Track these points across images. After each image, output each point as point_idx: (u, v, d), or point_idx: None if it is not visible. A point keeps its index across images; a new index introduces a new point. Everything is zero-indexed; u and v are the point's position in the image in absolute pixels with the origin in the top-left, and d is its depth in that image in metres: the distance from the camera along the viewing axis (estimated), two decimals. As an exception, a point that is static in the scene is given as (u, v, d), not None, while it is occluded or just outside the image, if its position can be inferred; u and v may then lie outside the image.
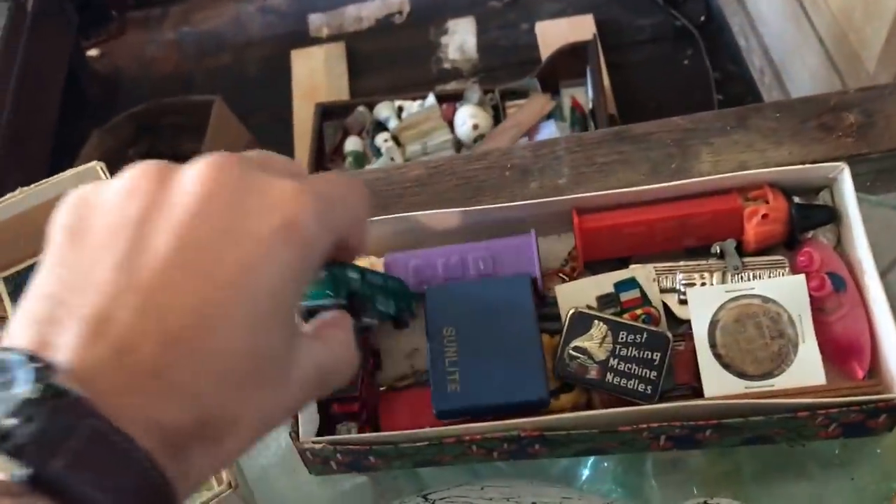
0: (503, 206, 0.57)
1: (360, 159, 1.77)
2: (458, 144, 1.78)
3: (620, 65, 1.92)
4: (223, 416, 0.26)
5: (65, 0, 2.04)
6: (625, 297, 0.55)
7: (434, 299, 0.55)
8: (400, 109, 1.85)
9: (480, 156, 0.69)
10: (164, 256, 0.26)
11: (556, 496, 0.47)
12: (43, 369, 0.23)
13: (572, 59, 1.82)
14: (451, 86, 1.97)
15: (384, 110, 1.84)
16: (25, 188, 0.67)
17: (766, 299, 0.53)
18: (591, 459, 0.56)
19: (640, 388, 0.52)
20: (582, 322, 0.54)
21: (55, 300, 0.26)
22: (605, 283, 0.56)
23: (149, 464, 0.24)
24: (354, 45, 2.10)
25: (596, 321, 0.54)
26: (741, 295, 0.53)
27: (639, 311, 0.54)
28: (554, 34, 1.96)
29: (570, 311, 0.54)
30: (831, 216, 0.55)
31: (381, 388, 0.57)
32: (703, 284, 0.54)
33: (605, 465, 0.56)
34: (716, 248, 0.55)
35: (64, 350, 0.25)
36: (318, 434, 0.53)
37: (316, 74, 2.06)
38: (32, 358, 0.24)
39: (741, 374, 0.52)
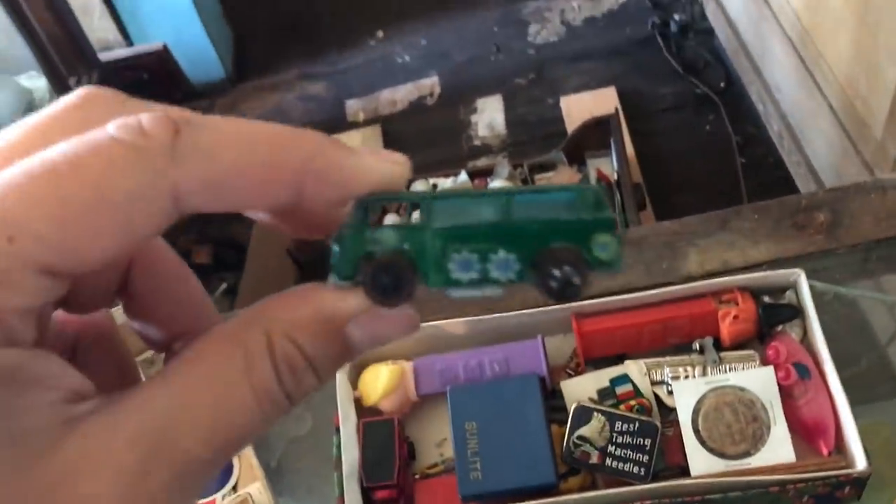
0: (514, 314, 0.68)
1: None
2: (491, 218, 1.90)
3: (644, 133, 2.03)
4: None
5: (120, 101, 2.23)
6: (620, 390, 0.65)
7: (456, 398, 0.65)
8: (434, 186, 1.99)
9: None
10: None
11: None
12: None
13: (596, 131, 1.93)
14: (482, 161, 2.10)
15: (419, 188, 1.97)
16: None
17: (741, 388, 0.63)
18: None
19: (634, 471, 0.61)
20: (584, 414, 0.64)
21: None
22: (603, 377, 0.66)
23: None
24: (389, 126, 2.25)
25: (596, 413, 0.64)
26: (719, 386, 0.63)
27: (633, 402, 0.64)
28: (578, 107, 2.09)
29: (574, 405, 0.64)
30: (795, 313, 0.65)
31: (416, 476, 0.67)
32: (686, 377, 0.64)
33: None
34: (696, 345, 0.65)
35: None
36: (363, 518, 0.63)
37: (355, 156, 2.21)
38: None
39: (722, 455, 0.62)
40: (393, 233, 0.24)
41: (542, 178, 1.93)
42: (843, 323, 0.63)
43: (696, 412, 0.63)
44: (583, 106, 2.07)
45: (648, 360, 0.66)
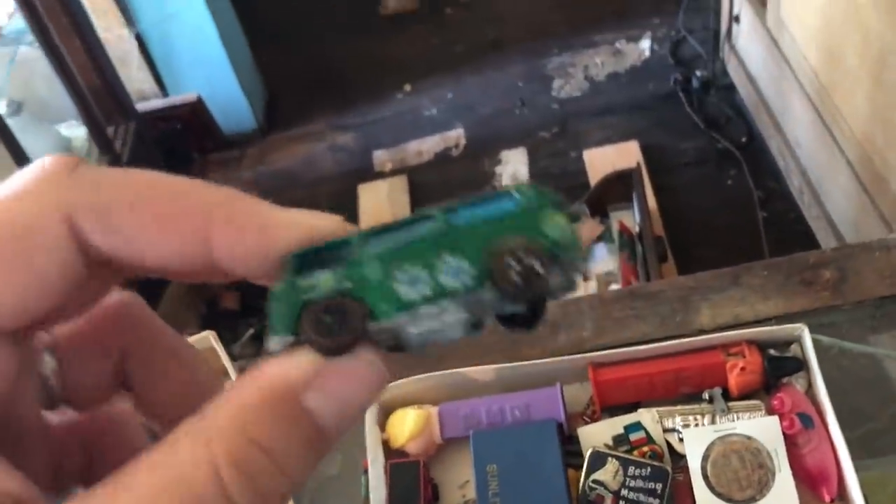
0: (534, 363, 0.73)
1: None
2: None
3: (667, 186, 2.08)
4: None
5: (153, 148, 2.33)
6: (633, 437, 0.70)
7: (479, 442, 0.70)
8: (459, 236, 2.05)
9: (518, 313, 0.86)
10: None
11: None
12: None
13: (619, 184, 1.99)
14: (507, 212, 2.16)
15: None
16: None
17: (747, 437, 0.67)
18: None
19: (646, 514, 0.66)
20: (599, 459, 0.68)
21: None
22: (617, 424, 0.71)
23: None
24: (416, 177, 2.32)
25: (610, 458, 0.68)
26: (727, 434, 0.68)
27: (645, 449, 0.69)
28: (601, 160, 2.15)
29: (590, 451, 0.69)
30: (800, 366, 0.69)
31: (440, 516, 0.72)
32: (696, 425, 0.69)
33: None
34: (706, 395, 0.70)
35: None
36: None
37: (381, 206, 2.28)
38: None
39: (729, 500, 0.66)
40: (329, 274, 0.22)
41: (565, 230, 1.99)
42: (852, 377, 0.67)
43: (705, 459, 0.67)
44: (605, 159, 2.14)
45: (661, 409, 0.70)
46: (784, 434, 0.67)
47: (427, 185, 2.30)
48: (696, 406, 0.70)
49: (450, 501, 0.73)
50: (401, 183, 2.32)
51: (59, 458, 0.23)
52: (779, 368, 0.69)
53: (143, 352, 0.24)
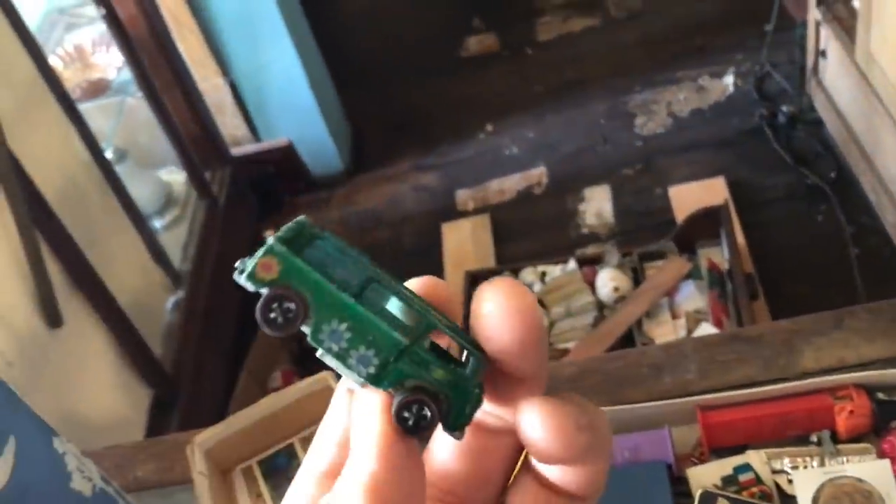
0: (643, 405, 0.77)
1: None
2: (600, 306, 1.98)
3: (755, 223, 2.09)
4: None
5: (247, 192, 2.44)
6: (742, 478, 0.73)
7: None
8: (543, 274, 2.09)
9: (620, 356, 0.90)
10: None
11: None
12: None
13: (706, 221, 2.00)
14: (590, 249, 2.19)
15: (528, 275, 2.08)
16: (271, 395, 0.92)
17: (858, 479, 0.69)
18: None
19: (758, 553, 0.68)
20: (709, 499, 0.71)
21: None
22: (726, 466, 0.74)
23: None
24: (498, 215, 2.37)
25: (720, 498, 0.71)
26: (837, 476, 0.70)
27: (755, 490, 0.72)
28: (687, 197, 2.17)
29: (700, 491, 0.72)
30: (909, 410, 0.71)
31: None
32: (805, 467, 0.71)
33: None
34: (814, 438, 0.72)
35: None
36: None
37: (464, 244, 2.34)
38: None
39: (841, 542, 0.68)
40: (441, 370, 0.25)
41: (652, 267, 2.01)
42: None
43: (815, 500, 0.70)
44: (691, 196, 2.15)
45: (769, 450, 0.73)
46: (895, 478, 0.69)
47: (510, 223, 2.35)
48: (804, 448, 0.73)
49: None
50: (483, 221, 2.38)
51: None
52: (888, 412, 0.71)
53: None
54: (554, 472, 0.26)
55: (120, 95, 2.09)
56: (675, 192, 2.22)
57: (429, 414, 0.24)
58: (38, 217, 1.52)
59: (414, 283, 0.27)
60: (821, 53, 2.12)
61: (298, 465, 0.89)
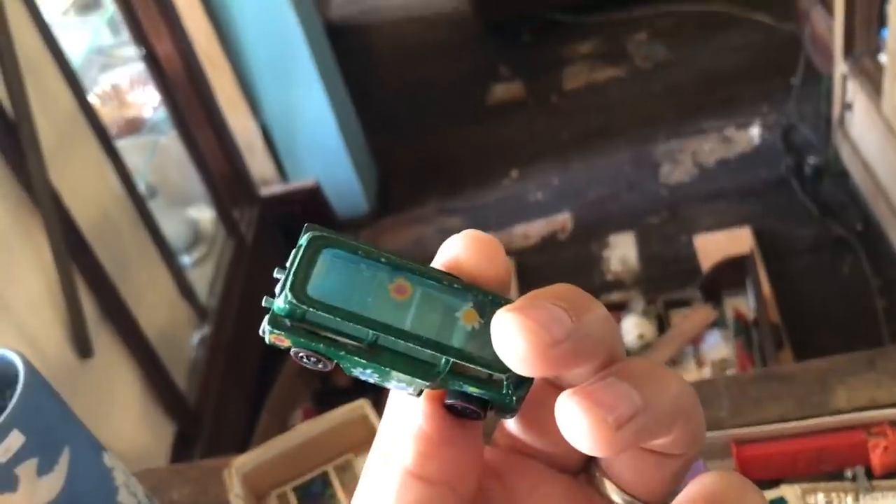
0: (676, 437, 0.79)
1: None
2: (625, 353, 2.00)
3: (781, 274, 2.10)
4: None
5: (274, 232, 2.49)
6: (777, 512, 0.74)
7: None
8: (567, 319, 2.10)
9: (654, 391, 0.91)
10: None
11: None
12: None
13: (732, 270, 2.02)
14: (615, 296, 2.21)
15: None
16: (308, 422, 0.95)
17: (893, 515, 0.71)
18: None
19: (793, 586, 0.69)
20: (743, 531, 0.73)
21: None
22: (760, 500, 0.75)
23: None
24: (523, 260, 2.40)
25: (755, 531, 0.73)
26: (872, 511, 0.71)
27: (789, 524, 0.73)
28: (712, 246, 2.19)
29: (734, 523, 0.73)
30: (943, 448, 0.73)
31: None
32: (840, 502, 0.73)
33: None
34: (849, 473, 0.74)
35: None
36: None
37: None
38: None
39: (877, 577, 0.69)
40: (476, 387, 0.26)
41: (677, 315, 2.03)
42: None
43: (850, 535, 0.71)
44: (717, 245, 2.18)
45: (804, 485, 0.75)
46: (930, 514, 0.70)
47: (534, 268, 2.38)
48: (838, 483, 0.74)
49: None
50: (509, 266, 2.40)
51: None
52: (922, 449, 0.73)
53: None
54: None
55: (154, 133, 2.16)
56: (700, 240, 2.24)
57: (472, 408, 0.26)
58: (73, 248, 1.56)
59: (453, 253, 0.27)
60: (847, 106, 2.16)
61: (333, 493, 0.90)
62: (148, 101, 2.10)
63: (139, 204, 1.89)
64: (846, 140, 2.22)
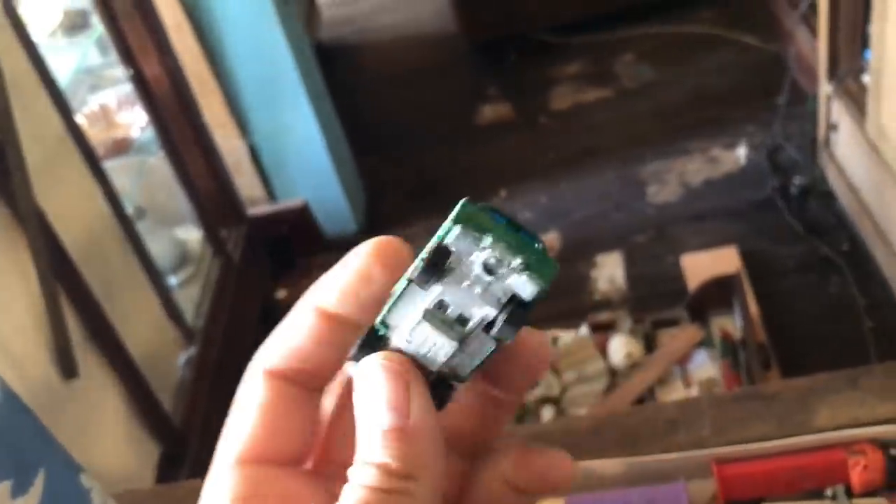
0: (658, 457, 0.79)
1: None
2: (613, 372, 2.00)
3: (768, 294, 2.11)
4: None
5: (260, 252, 2.49)
6: (758, 531, 0.74)
7: (607, 532, 0.76)
8: (555, 339, 2.11)
9: (636, 411, 0.92)
10: None
11: None
12: None
13: (719, 290, 2.03)
14: (603, 315, 2.22)
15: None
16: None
17: (873, 534, 0.71)
18: None
19: None
20: (725, 551, 0.73)
21: None
22: (742, 519, 0.75)
23: None
24: (511, 280, 2.41)
25: (736, 550, 0.73)
26: (852, 530, 0.72)
27: (771, 543, 0.73)
28: (699, 266, 2.20)
29: (716, 542, 0.74)
30: (923, 466, 0.73)
31: None
32: (821, 521, 0.73)
33: None
34: (829, 492, 0.74)
35: None
36: None
37: (477, 308, 2.37)
38: None
39: None
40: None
41: (665, 335, 2.03)
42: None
43: (831, 554, 0.71)
44: (704, 265, 2.19)
45: (785, 504, 0.75)
46: (909, 532, 0.70)
47: (523, 288, 2.38)
48: (819, 502, 0.75)
49: (578, 590, 0.78)
50: (497, 286, 2.41)
51: None
52: (901, 468, 0.73)
53: None
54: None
55: (142, 154, 2.16)
56: (687, 260, 2.25)
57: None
58: (58, 269, 1.56)
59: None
60: (832, 127, 2.18)
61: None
62: (136, 122, 2.11)
63: (126, 225, 1.89)
64: (832, 160, 2.24)
